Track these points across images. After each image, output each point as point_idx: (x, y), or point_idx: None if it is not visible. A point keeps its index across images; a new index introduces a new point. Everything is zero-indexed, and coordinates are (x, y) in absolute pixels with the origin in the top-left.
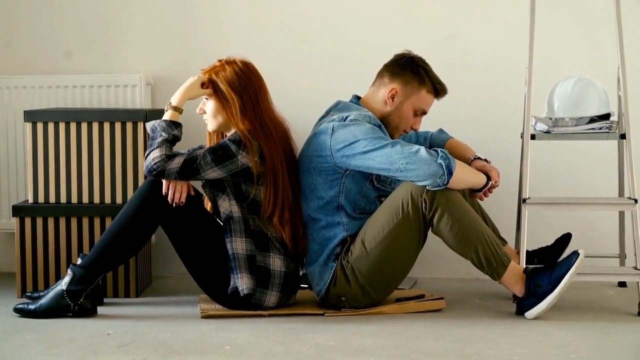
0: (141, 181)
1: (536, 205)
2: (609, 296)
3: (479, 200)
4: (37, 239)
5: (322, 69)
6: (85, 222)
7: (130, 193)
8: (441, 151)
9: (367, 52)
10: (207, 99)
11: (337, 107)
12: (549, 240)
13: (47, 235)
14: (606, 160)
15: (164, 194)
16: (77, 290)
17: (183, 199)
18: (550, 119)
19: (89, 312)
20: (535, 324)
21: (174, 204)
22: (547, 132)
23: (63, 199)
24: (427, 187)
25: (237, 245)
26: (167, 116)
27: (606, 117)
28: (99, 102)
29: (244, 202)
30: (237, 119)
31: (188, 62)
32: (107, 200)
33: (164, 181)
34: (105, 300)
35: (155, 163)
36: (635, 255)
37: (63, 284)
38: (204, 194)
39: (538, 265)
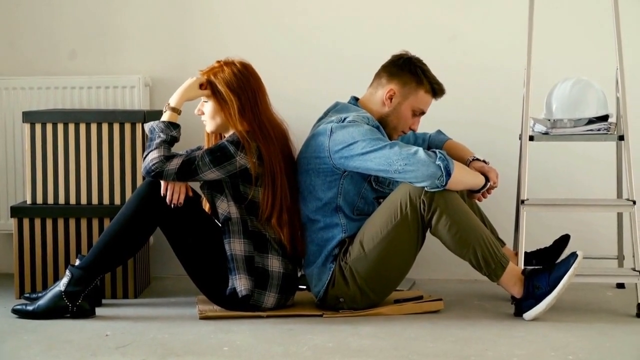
0: (139, 182)
1: (534, 207)
2: (607, 297)
3: (477, 201)
4: (36, 240)
5: (320, 70)
6: (84, 223)
7: (128, 194)
8: (439, 152)
9: (366, 53)
10: (205, 100)
11: (336, 108)
12: (547, 242)
13: (45, 236)
14: (604, 161)
15: (162, 195)
16: (75, 291)
17: (181, 200)
18: (549, 120)
19: (87, 313)
20: (534, 325)
21: (172, 205)
22: (546, 133)
23: (61, 200)
24: (426, 189)
25: (236, 247)
26: (165, 117)
27: (604, 118)
28: (97, 103)
29: (242, 203)
30: (235, 120)
31: (186, 64)
32: (106, 201)
33: (162, 182)
34: (104, 301)
35: (154, 164)
36: (633, 256)
37: (61, 285)
38: (202, 195)
39: (536, 267)
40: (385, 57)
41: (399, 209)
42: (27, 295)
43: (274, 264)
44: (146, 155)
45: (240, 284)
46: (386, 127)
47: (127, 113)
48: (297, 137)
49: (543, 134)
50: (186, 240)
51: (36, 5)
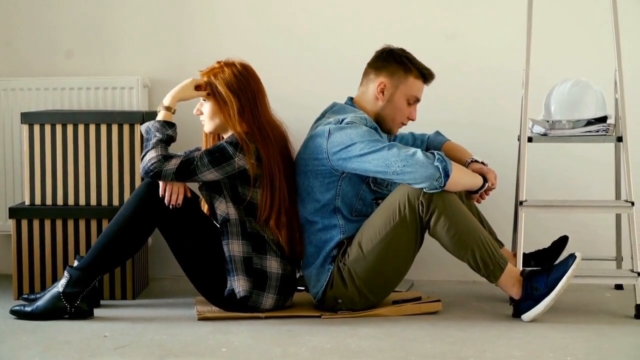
0: (138, 183)
1: (533, 208)
2: (605, 299)
3: (475, 202)
4: (34, 241)
5: (319, 71)
6: (82, 224)
7: (127, 195)
8: (437, 153)
9: (364, 54)
10: (204, 100)
11: (333, 109)
12: (546, 243)
13: (43, 237)
14: (603, 163)
15: (160, 196)
16: (73, 292)
17: (180, 201)
18: (547, 121)
19: (85, 314)
20: (532, 327)
21: (170, 206)
22: (544, 134)
23: (60, 201)
24: (424, 190)
25: (234, 248)
26: (160, 117)
27: (603, 119)
28: (95, 104)
29: (240, 204)
30: (234, 121)
31: (185, 65)
32: (104, 202)
33: (160, 183)
34: (102, 302)
35: (152, 164)
36: (631, 258)
37: (60, 286)
38: (201, 196)
39: (535, 268)
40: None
41: (398, 210)
42: (26, 296)
43: (273, 265)
44: (144, 156)
45: (238, 285)
46: (384, 121)
47: (125, 114)
48: (295, 139)
49: (542, 135)
50: (184, 241)
51: (34, 6)
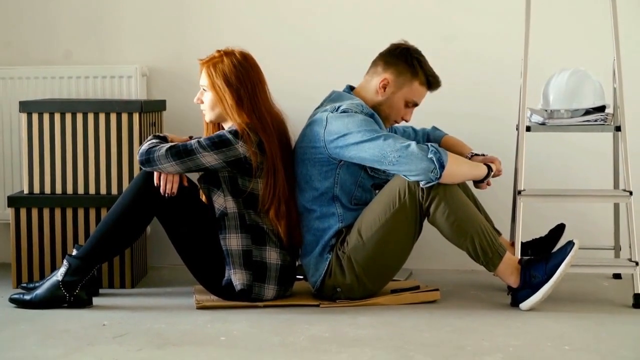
0: (136, 172)
1: (531, 197)
2: (604, 288)
3: (482, 190)
4: (33, 230)
5: (317, 62)
6: (81, 212)
7: (125, 184)
8: (432, 145)
9: (363, 44)
10: (205, 89)
11: (331, 97)
12: (544, 233)
13: (42, 226)
14: (601, 152)
15: (155, 185)
16: (72, 281)
17: (175, 190)
18: (546, 110)
19: (84, 302)
20: (530, 316)
21: (166, 195)
22: (543, 124)
23: (58, 190)
24: (421, 185)
25: (232, 242)
26: None
27: (601, 109)
28: (94, 93)
29: (240, 197)
30: (234, 111)
31: (183, 53)
32: (103, 191)
33: (155, 173)
34: (101, 291)
35: (149, 147)
36: (630, 247)
37: (59, 274)
38: (200, 188)
39: (533, 257)
40: (383, 49)
41: (398, 197)
42: (25, 285)
43: (272, 256)
44: (141, 145)
45: (236, 278)
46: (378, 115)
47: (124, 103)
48: (294, 129)
49: (540, 124)
50: (182, 230)
51: None
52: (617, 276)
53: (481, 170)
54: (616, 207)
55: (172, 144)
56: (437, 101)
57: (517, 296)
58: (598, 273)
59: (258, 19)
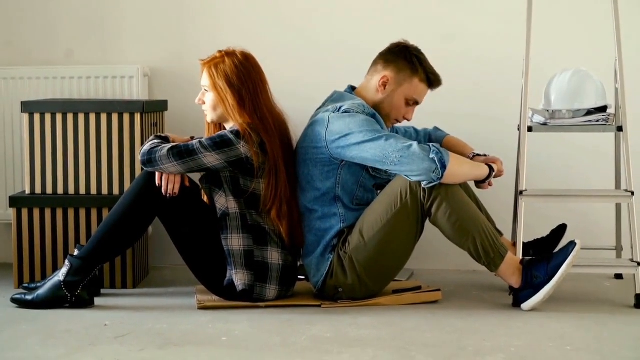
0: (138, 172)
1: (533, 198)
2: (605, 288)
3: (483, 190)
4: (34, 230)
5: (318, 62)
6: (83, 213)
7: (127, 184)
8: (433, 145)
9: (364, 45)
10: (206, 90)
11: (332, 97)
12: (546, 233)
13: (44, 226)
14: (603, 152)
15: (157, 185)
16: (74, 281)
17: (176, 190)
18: (547, 111)
19: (86, 303)
20: (532, 316)
21: (167, 196)
22: (544, 124)
23: (60, 190)
24: (423, 185)
25: (233, 242)
26: None
27: (603, 109)
28: (96, 93)
29: (241, 197)
30: (236, 112)
31: (185, 53)
32: (104, 191)
33: (156, 173)
34: (103, 291)
35: (150, 148)
36: (631, 247)
37: (60, 275)
38: (201, 188)
39: (535, 257)
40: (384, 48)
41: (399, 197)
42: (26, 285)
43: (274, 256)
44: (142, 145)
45: (237, 278)
46: (379, 114)
47: (125, 103)
48: (295, 130)
49: (542, 124)
50: (183, 230)
51: None
52: (618, 276)
53: (483, 171)
54: (618, 207)
55: (174, 144)
56: (438, 101)
57: (518, 296)
58: (600, 273)
59: (259, 19)
